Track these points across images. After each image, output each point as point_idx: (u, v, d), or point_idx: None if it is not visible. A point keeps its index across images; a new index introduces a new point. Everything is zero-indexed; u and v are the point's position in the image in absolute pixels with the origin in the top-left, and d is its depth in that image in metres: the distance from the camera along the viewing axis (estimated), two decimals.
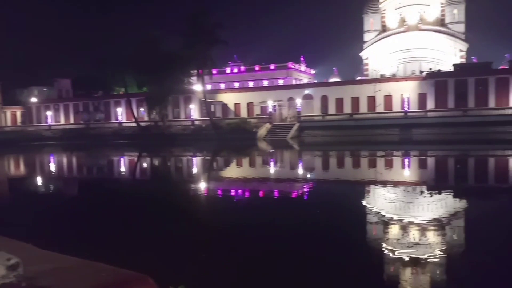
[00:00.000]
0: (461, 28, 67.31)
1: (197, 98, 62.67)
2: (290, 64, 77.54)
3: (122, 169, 31.60)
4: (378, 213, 13.45)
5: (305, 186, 20.18)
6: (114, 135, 61.37)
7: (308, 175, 24.09)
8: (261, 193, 18.28)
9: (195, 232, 11.67)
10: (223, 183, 21.61)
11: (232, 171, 27.55)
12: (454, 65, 58.10)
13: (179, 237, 11.10)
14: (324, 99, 59.51)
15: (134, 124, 63.16)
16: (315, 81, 79.01)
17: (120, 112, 68.64)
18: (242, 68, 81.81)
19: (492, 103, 51.10)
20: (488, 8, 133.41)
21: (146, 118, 65.04)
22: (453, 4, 67.26)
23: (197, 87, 60.64)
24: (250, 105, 63.92)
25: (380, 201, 15.83)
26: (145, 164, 34.89)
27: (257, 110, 62.95)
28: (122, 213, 14.73)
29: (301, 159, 34.85)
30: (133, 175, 27.56)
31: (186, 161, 35.50)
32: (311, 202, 16.22)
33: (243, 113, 63.04)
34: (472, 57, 66.69)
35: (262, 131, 54.54)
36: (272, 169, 28.02)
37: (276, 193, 18.24)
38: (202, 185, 21.54)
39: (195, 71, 58.94)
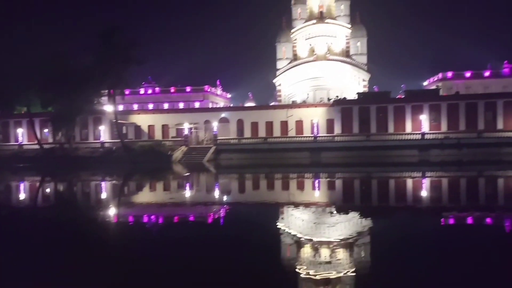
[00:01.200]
0: (363, 59, 73.48)
1: (108, 119, 59.96)
2: (206, 87, 77.95)
3: (22, 195, 28.84)
4: (291, 233, 13.87)
5: (220, 209, 20.13)
6: (14, 158, 56.07)
7: (224, 198, 24.11)
8: (175, 218, 17.86)
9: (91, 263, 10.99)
10: (134, 209, 20.73)
11: (144, 196, 26.60)
12: (358, 93, 62.84)
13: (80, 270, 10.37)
14: (240, 123, 60.50)
15: (37, 146, 58.40)
16: (231, 105, 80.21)
17: (21, 133, 63.13)
18: (157, 89, 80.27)
19: (391, 128, 55.86)
20: (387, 43, 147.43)
21: (50, 140, 60.51)
22: (357, 38, 73.43)
23: (108, 107, 58.04)
24: (165, 127, 62.68)
25: (293, 221, 16.35)
26: (47, 190, 32.26)
27: (172, 133, 61.87)
28: (15, 243, 13.41)
29: (218, 182, 34.79)
30: (34, 201, 25.29)
31: (93, 186, 33.47)
32: (227, 225, 16.28)
33: (158, 136, 61.57)
34: (374, 86, 73.07)
35: (178, 154, 53.64)
36: (187, 192, 27.57)
37: (191, 217, 17.94)
38: (111, 211, 20.44)
39: (107, 90, 56.36)
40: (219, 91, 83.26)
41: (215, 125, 58.24)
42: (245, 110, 63.46)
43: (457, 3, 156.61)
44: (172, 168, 46.49)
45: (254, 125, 59.80)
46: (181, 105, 73.17)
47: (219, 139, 56.99)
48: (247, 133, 59.65)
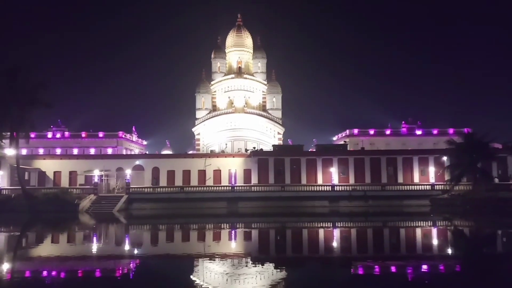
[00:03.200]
0: (279, 114, 77.16)
1: (8, 164, 54.82)
2: (120, 133, 75.19)
3: None
4: (205, 286, 13.50)
5: (130, 262, 19.00)
6: None
7: (135, 251, 22.81)
8: (79, 273, 16.42)
9: None
10: (31, 263, 18.75)
11: (44, 249, 24.23)
12: (273, 145, 65.14)
13: None
14: (156, 171, 58.87)
15: None
16: (147, 152, 78.05)
17: None
18: (67, 133, 75.61)
19: (304, 180, 58.09)
20: (300, 100, 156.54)
21: None
22: (272, 94, 77.41)
23: (9, 151, 53.24)
24: (73, 174, 58.78)
25: (208, 274, 15.93)
26: None
27: (81, 180, 58.16)
28: None
29: (128, 233, 32.92)
30: None
31: None
32: (136, 280, 15.37)
33: (64, 183, 57.39)
34: (288, 140, 76.31)
35: (86, 202, 50.15)
36: (93, 245, 25.64)
37: (97, 272, 16.62)
38: (4, 266, 18.23)
39: (8, 133, 51.87)
40: (134, 137, 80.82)
41: (128, 172, 55.91)
42: (161, 158, 62.14)
43: (362, 68, 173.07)
44: (78, 218, 43.21)
45: (171, 174, 58.55)
46: (92, 151, 69.55)
47: (132, 187, 54.63)
48: (163, 181, 58.09)
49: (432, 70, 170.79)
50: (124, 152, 71.60)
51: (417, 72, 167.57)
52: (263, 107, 76.42)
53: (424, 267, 17.55)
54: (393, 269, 17.29)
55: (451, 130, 68.85)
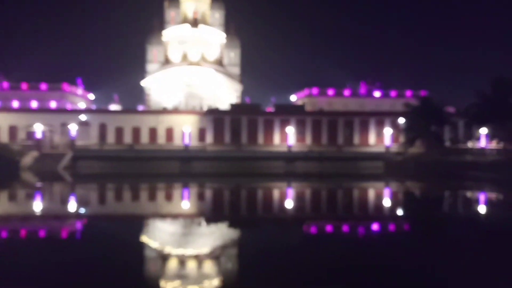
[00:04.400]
0: (237, 70, 74.57)
1: None
2: (65, 86, 69.39)
3: None
4: (157, 247, 13.00)
5: (76, 223, 17.63)
6: None
7: (81, 211, 21.05)
8: (22, 234, 14.90)
9: None
10: None
11: None
12: (230, 104, 63.25)
13: None
14: (103, 128, 55.71)
15: None
16: (94, 107, 72.93)
17: None
18: (5, 84, 69.29)
19: (261, 140, 57.25)
20: (259, 56, 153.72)
21: None
22: (231, 48, 74.28)
23: None
24: (13, 129, 54.57)
25: (159, 234, 15.13)
26: None
27: (22, 135, 54.09)
28: None
29: (73, 192, 30.74)
30: None
31: None
32: (84, 241, 14.29)
33: (3, 138, 53.25)
34: (246, 98, 74.37)
35: (28, 160, 46.80)
36: (36, 204, 23.42)
37: (41, 233, 15.17)
38: None
39: None
40: (79, 90, 75.23)
41: (73, 128, 52.34)
42: (109, 114, 58.86)
43: (324, 27, 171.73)
44: (20, 176, 40.22)
45: (119, 131, 55.69)
46: (34, 104, 64.07)
47: (78, 144, 51.45)
48: (111, 139, 55.22)
49: (394, 32, 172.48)
50: (68, 106, 66.85)
51: (378, 33, 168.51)
52: (220, 62, 73.37)
53: (375, 226, 17.27)
54: (345, 228, 16.92)
55: (408, 93, 69.64)
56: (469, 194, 31.69)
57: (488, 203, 26.59)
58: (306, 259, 11.66)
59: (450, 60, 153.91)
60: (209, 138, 56.46)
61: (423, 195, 31.93)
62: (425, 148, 50.67)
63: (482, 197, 29.79)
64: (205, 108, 59.85)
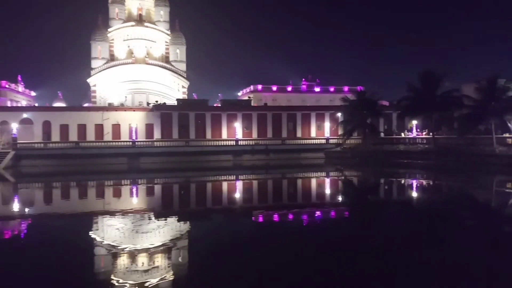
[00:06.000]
0: (183, 67, 74.74)
1: None
2: (4, 83, 66.68)
3: None
4: (106, 243, 13.09)
5: (21, 223, 17.63)
6: None
7: (25, 210, 21.15)
8: None
9: None
10: None
11: None
12: (177, 99, 63.60)
13: None
14: (47, 125, 54.29)
15: None
16: (36, 104, 70.66)
17: None
18: None
19: (209, 135, 58.28)
20: (205, 53, 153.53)
21: None
22: (176, 45, 74.21)
23: None
24: None
25: (108, 231, 15.45)
26: None
27: None
28: None
29: (16, 192, 30.29)
30: None
31: None
32: (28, 241, 14.35)
33: None
34: (193, 94, 74.82)
35: None
36: None
37: None
38: None
39: None
40: (20, 88, 72.57)
41: (14, 126, 50.77)
42: (53, 111, 57.39)
43: (268, 25, 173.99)
44: None
45: (64, 128, 54.58)
46: None
47: (20, 143, 49.96)
48: (56, 136, 54.00)
49: (334, 31, 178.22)
50: (9, 104, 64.34)
51: (318, 32, 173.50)
52: (166, 59, 73.31)
53: (318, 213, 19.02)
54: (290, 216, 18.43)
55: (346, 88, 73.47)
56: (401, 180, 34.84)
57: (418, 187, 29.65)
58: (256, 248, 12.42)
59: (385, 56, 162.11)
60: (157, 133, 56.66)
61: (360, 183, 34.73)
62: (362, 139, 54.12)
63: (413, 182, 33.00)
64: (152, 104, 59.87)
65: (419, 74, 47.59)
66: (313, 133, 61.04)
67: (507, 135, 41.57)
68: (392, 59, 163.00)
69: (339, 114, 59.09)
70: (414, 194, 26.43)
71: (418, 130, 56.03)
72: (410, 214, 19.21)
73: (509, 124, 41.49)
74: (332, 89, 75.49)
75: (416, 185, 31.14)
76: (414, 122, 55.44)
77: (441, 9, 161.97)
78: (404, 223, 16.71)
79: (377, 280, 9.70)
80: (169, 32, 73.89)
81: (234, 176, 39.04)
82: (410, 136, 54.60)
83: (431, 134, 48.88)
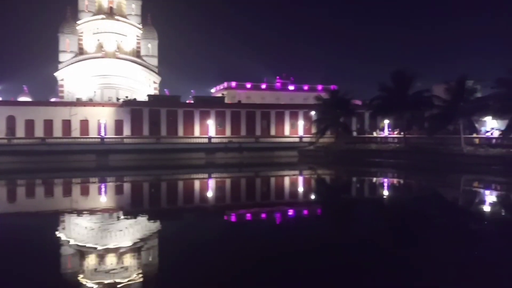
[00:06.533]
0: (154, 62, 73.20)
1: None
2: None
3: None
4: (73, 244, 12.54)
5: None
6: None
7: None
8: None
9: None
10: None
11: None
12: (148, 95, 62.30)
13: None
14: (11, 120, 52.12)
15: None
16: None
17: None
18: None
19: (180, 132, 57.36)
20: (178, 48, 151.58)
21: None
22: (148, 39, 72.59)
23: None
24: None
25: (75, 231, 14.82)
26: None
27: None
28: None
29: None
30: None
31: None
32: None
33: None
34: (165, 90, 73.43)
35: None
36: None
37: None
38: None
39: None
40: None
41: None
42: (18, 106, 55.11)
43: (243, 21, 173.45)
44: None
45: (30, 123, 52.55)
46: None
47: None
48: (21, 132, 51.92)
49: (309, 29, 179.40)
50: None
51: (293, 29, 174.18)
52: (137, 54, 71.61)
53: (290, 211, 18.91)
54: (263, 215, 18.21)
55: (319, 87, 73.85)
56: (372, 178, 35.25)
57: (388, 186, 30.02)
58: (227, 246, 12.25)
59: (359, 56, 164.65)
60: (127, 130, 55.34)
61: (333, 181, 34.88)
62: (335, 137, 54.53)
63: (384, 181, 33.43)
64: (122, 100, 58.39)
65: (391, 74, 48.27)
66: (287, 131, 61.11)
67: (474, 135, 42.64)
68: (366, 58, 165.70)
69: (313, 113, 59.31)
70: (385, 192, 26.78)
71: (390, 129, 56.88)
72: (380, 212, 19.47)
73: (476, 125, 42.60)
74: (306, 87, 75.76)
75: (387, 183, 31.56)
76: (386, 122, 56.26)
77: (414, 10, 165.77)
78: (375, 221, 16.94)
79: (348, 276, 9.55)
80: (140, 26, 72.22)
81: (207, 174, 38.55)
82: (381, 135, 55.37)
83: (402, 133, 49.66)
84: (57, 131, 53.21)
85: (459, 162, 38.78)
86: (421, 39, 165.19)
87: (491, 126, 46.22)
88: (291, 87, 75.54)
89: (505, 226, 16.06)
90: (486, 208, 20.17)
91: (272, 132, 60.61)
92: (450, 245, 12.69)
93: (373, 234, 14.08)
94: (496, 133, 42.83)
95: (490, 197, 23.86)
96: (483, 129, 45.77)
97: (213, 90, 79.91)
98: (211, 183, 32.42)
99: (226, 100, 64.94)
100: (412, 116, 48.21)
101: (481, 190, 26.72)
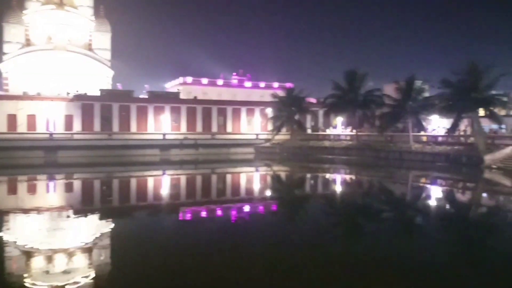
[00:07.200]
0: (107, 55, 70.81)
1: None
2: None
3: None
4: (19, 244, 12.04)
5: None
6: None
7: None
8: None
9: None
10: None
11: None
12: (100, 90, 60.23)
13: None
14: None
15: None
16: None
17: None
18: None
19: (134, 128, 56.01)
20: (132, 42, 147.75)
21: None
22: (101, 32, 70.03)
23: None
24: None
25: (21, 230, 14.19)
26: None
27: None
28: None
29: None
30: None
31: None
32: None
33: None
34: (118, 84, 71.19)
35: None
36: None
37: None
38: None
39: None
40: None
41: None
42: None
43: (199, 16, 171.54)
44: None
45: None
46: None
47: None
48: None
49: (265, 28, 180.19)
50: None
51: (250, 26, 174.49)
52: (89, 47, 68.99)
53: (246, 208, 19.05)
54: (218, 212, 18.23)
55: (275, 84, 74.55)
56: (325, 175, 36.16)
57: (340, 182, 30.92)
58: (180, 245, 12.16)
59: (314, 55, 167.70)
60: (77, 125, 53.35)
61: (287, 178, 35.40)
62: (290, 134, 55.34)
63: (336, 177, 34.37)
64: (72, 94, 56.15)
65: (344, 73, 49.59)
66: (243, 128, 61.24)
67: (422, 133, 44.70)
68: (321, 57, 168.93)
69: (269, 110, 59.79)
70: (335, 188, 27.61)
71: (343, 127, 58.43)
72: (331, 207, 20.20)
73: (423, 123, 44.67)
74: (262, 84, 76.21)
75: (338, 180, 32.52)
76: (339, 119, 57.74)
77: (368, 10, 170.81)
78: (325, 216, 17.65)
79: (299, 272, 9.77)
80: (93, 18, 69.64)
81: (161, 171, 37.94)
82: (334, 133, 56.77)
83: (354, 131, 51.18)
84: (2, 126, 50.45)
85: (407, 159, 40.62)
86: (374, 40, 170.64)
87: (437, 124, 48.64)
88: (247, 84, 75.75)
89: (445, 220, 17.04)
90: (430, 202, 21.26)
91: (229, 128, 60.56)
92: (392, 239, 13.32)
93: (320, 229, 14.61)
94: (441, 131, 45.12)
95: (435, 192, 25.16)
96: (429, 127, 48.07)
97: (168, 85, 78.52)
98: (166, 180, 31.98)
99: (182, 96, 64.04)
100: (363, 114, 49.82)
101: (427, 186, 28.11)
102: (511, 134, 38.97)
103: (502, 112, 40.57)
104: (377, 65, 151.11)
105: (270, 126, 56.81)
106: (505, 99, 37.93)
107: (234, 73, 77.49)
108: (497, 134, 40.02)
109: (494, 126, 41.64)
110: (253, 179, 33.79)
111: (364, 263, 10.51)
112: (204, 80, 73.15)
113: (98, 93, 58.03)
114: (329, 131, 58.61)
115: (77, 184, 29.49)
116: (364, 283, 9.18)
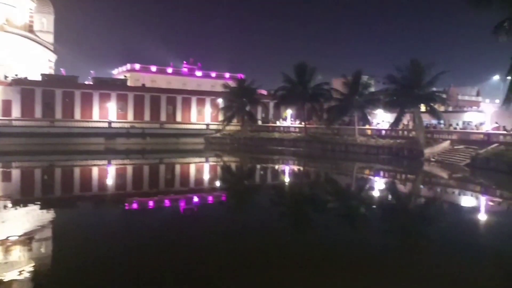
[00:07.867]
0: (50, 38, 67.07)
1: None
2: None
3: None
4: None
5: None
6: None
7: None
8: None
9: None
10: None
11: None
12: (42, 74, 57.03)
13: None
14: None
15: None
16: None
17: None
18: None
19: (78, 115, 53.68)
20: (77, 25, 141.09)
21: None
22: (42, 13, 66.11)
23: None
24: None
25: None
26: None
27: None
28: None
29: None
30: None
31: None
32: None
33: None
34: (61, 69, 67.73)
35: None
36: None
37: None
38: None
39: None
40: None
41: None
42: None
43: (146, 2, 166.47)
44: None
45: None
46: None
47: None
48: None
49: (218, 18, 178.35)
50: None
51: (203, 17, 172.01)
52: (30, 28, 64.89)
53: (195, 199, 18.97)
54: (166, 202, 18.01)
55: (227, 75, 74.11)
56: (274, 166, 36.67)
57: (287, 173, 31.48)
58: (125, 236, 11.93)
59: (266, 46, 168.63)
60: (16, 111, 50.28)
61: (237, 168, 35.53)
62: (241, 125, 55.44)
63: (284, 168, 34.95)
64: (10, 78, 52.74)
65: (294, 66, 50.20)
66: (193, 118, 60.50)
67: (367, 126, 46.38)
68: (273, 49, 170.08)
69: (220, 100, 59.46)
70: (284, 179, 28.11)
71: (292, 119, 59.37)
72: (279, 197, 20.55)
73: (369, 117, 46.36)
74: (213, 74, 75.48)
75: (287, 170, 33.12)
76: (289, 112, 58.57)
77: (321, 6, 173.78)
78: (274, 206, 17.91)
79: (250, 263, 9.89)
80: None
81: (106, 161, 36.74)
82: (284, 125, 57.56)
83: (303, 123, 52.17)
84: None
85: (353, 151, 42.10)
86: (325, 34, 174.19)
87: (382, 118, 50.66)
88: (198, 73, 74.74)
89: (387, 210, 17.91)
90: (373, 193, 22.23)
91: (178, 118, 59.59)
92: (336, 227, 13.90)
93: (268, 218, 14.87)
94: (385, 125, 47.07)
95: (377, 183, 26.31)
96: (374, 121, 49.97)
97: (115, 72, 75.81)
98: (111, 170, 31.01)
99: (129, 83, 62.10)
100: (312, 107, 50.90)
101: (370, 177, 29.33)
102: (449, 129, 41.29)
103: (441, 108, 42.88)
104: (327, 59, 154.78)
105: (221, 117, 56.55)
106: (444, 95, 40.25)
107: (185, 62, 76.15)
108: (436, 129, 42.34)
109: (434, 121, 44.00)
110: (202, 169, 33.62)
111: (310, 251, 10.82)
112: (153, 68, 71.28)
113: (39, 78, 54.93)
114: (279, 123, 59.29)
115: (15, 173, 27.90)
116: (312, 270, 9.45)
